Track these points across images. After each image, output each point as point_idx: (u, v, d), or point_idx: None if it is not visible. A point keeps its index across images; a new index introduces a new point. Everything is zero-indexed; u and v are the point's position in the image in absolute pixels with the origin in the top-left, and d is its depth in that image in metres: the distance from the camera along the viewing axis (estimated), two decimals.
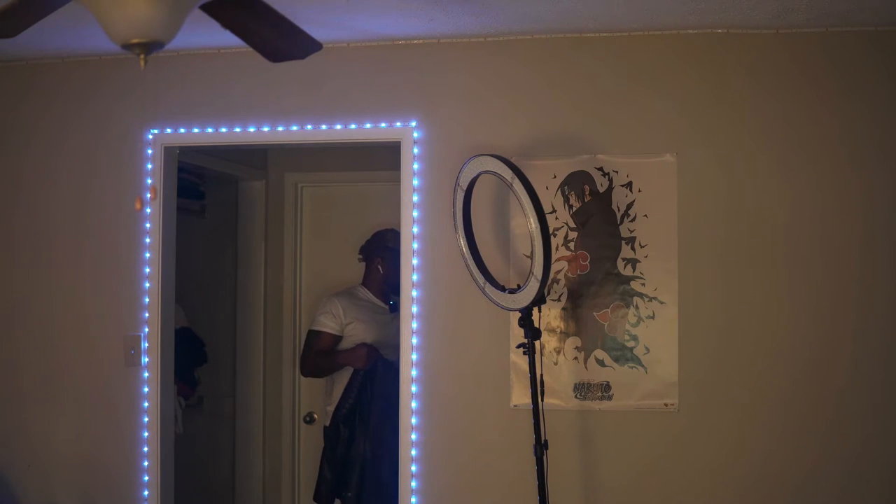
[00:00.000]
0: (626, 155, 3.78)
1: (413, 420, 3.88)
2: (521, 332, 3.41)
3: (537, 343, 3.42)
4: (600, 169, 3.80)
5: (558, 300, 3.81)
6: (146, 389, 4.09)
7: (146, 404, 4.09)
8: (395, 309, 4.29)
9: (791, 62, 3.72)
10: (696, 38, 3.76)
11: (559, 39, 3.84)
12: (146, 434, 4.08)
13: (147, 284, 4.10)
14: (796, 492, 3.67)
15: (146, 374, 4.09)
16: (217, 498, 5.41)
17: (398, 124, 3.94)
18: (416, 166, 3.92)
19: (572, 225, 3.82)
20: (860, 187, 3.67)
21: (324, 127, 4.01)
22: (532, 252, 3.38)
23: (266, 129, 4.05)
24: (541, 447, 3.36)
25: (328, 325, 4.63)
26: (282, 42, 2.62)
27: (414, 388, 3.88)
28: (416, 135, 3.92)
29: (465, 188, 3.58)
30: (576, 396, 3.78)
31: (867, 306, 3.65)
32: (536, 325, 3.44)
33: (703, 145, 3.76)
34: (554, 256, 3.74)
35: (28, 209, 4.25)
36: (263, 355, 5.42)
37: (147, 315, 4.10)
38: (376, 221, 5.04)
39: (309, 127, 4.02)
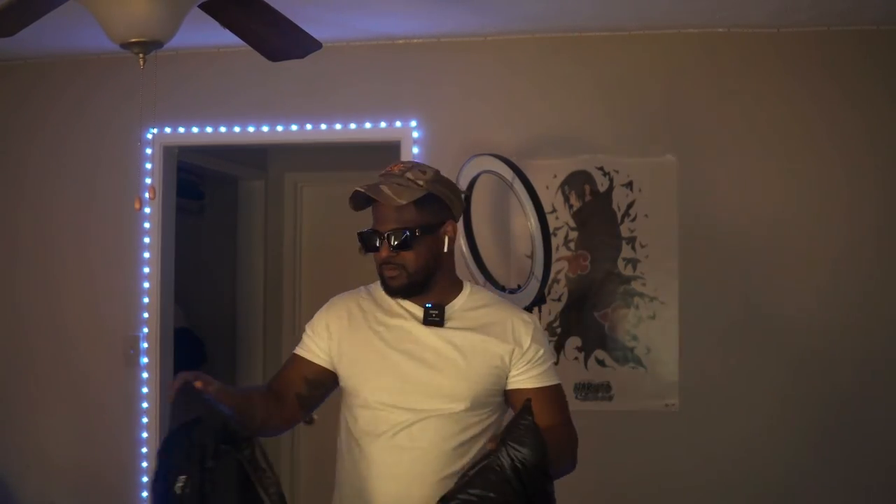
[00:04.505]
0: (626, 155, 3.77)
1: None
2: None
3: None
4: (601, 169, 3.79)
5: (559, 300, 3.80)
6: (145, 390, 4.08)
7: (145, 405, 4.08)
8: (430, 318, 2.22)
9: (792, 61, 3.71)
10: (696, 37, 3.75)
11: (560, 39, 3.83)
12: (145, 434, 4.07)
13: (146, 284, 4.09)
14: (797, 491, 3.66)
15: (145, 375, 4.08)
16: None
17: (398, 124, 3.93)
18: None
19: (573, 225, 3.81)
20: (861, 186, 3.66)
21: (323, 127, 4.00)
22: (532, 252, 3.37)
23: (266, 128, 4.04)
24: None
25: (305, 344, 2.35)
26: (281, 41, 2.62)
27: None
28: (415, 135, 3.91)
29: (464, 188, 3.57)
30: (577, 397, 3.76)
31: (868, 304, 3.64)
32: None
33: (704, 145, 3.75)
34: (554, 256, 3.73)
35: (29, 209, 4.25)
36: (263, 355, 5.40)
37: (146, 315, 4.09)
38: None
39: (309, 127, 4.01)
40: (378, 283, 2.27)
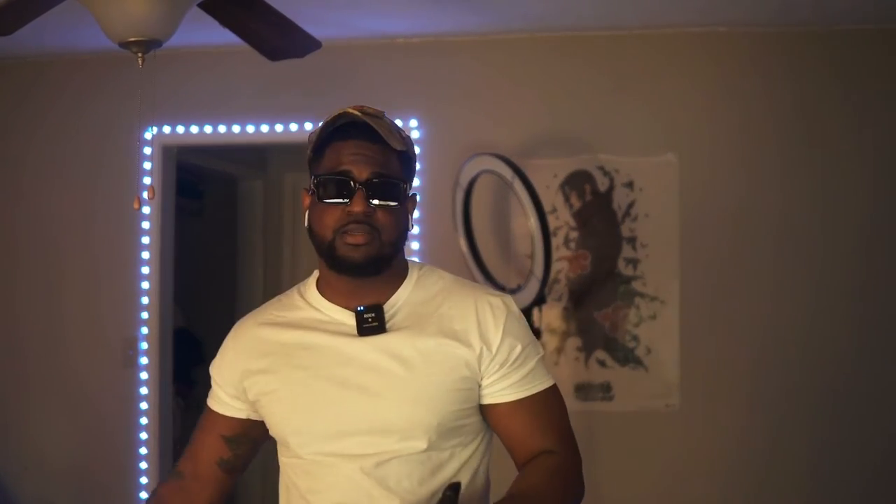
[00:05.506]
0: (627, 154, 3.76)
1: None
2: None
3: None
4: (601, 168, 3.78)
5: (559, 300, 3.79)
6: (144, 390, 4.07)
7: (144, 405, 4.07)
8: (367, 325, 1.61)
9: (793, 60, 3.70)
10: (697, 36, 3.74)
11: (560, 38, 3.82)
12: (144, 435, 4.06)
13: (145, 284, 4.08)
14: (799, 492, 3.66)
15: (144, 375, 4.07)
16: None
17: (398, 123, 3.92)
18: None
19: (573, 224, 3.80)
20: (863, 186, 3.66)
21: None
22: (532, 252, 3.36)
23: (265, 128, 4.04)
24: None
25: (214, 393, 1.76)
26: (281, 40, 2.61)
27: None
28: (415, 134, 3.90)
29: (465, 187, 3.56)
30: (577, 397, 3.75)
31: (870, 305, 3.63)
32: (537, 325, 3.42)
33: (705, 144, 3.74)
34: (555, 256, 3.72)
35: (28, 208, 4.24)
36: None
37: (146, 315, 4.08)
38: None
39: (308, 126, 4.00)
40: (292, 292, 1.72)
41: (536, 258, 3.36)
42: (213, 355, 1.73)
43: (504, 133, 3.83)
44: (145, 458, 4.05)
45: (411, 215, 1.66)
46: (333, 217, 1.56)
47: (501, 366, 1.59)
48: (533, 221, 3.33)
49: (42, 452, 4.17)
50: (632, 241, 3.75)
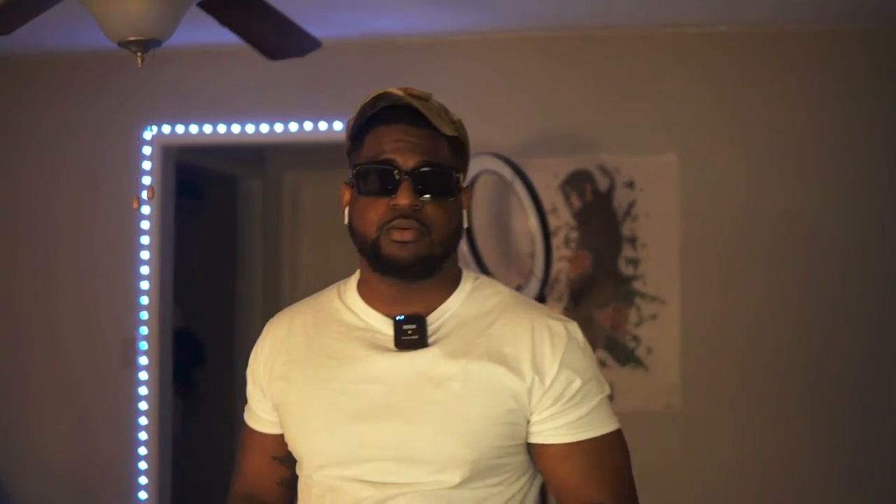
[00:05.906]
0: (628, 154, 3.76)
1: None
2: None
3: None
4: (602, 168, 3.78)
5: (559, 300, 3.78)
6: (143, 391, 4.06)
7: (143, 406, 4.06)
8: (405, 338, 1.42)
9: (794, 59, 3.70)
10: (698, 35, 3.73)
11: (560, 37, 3.82)
12: (144, 436, 4.05)
13: (145, 285, 4.07)
14: (799, 493, 3.65)
15: (143, 376, 4.06)
16: (215, 499, 5.38)
17: None
18: None
19: (573, 224, 3.79)
20: (865, 186, 3.65)
21: (323, 126, 3.99)
22: (533, 251, 3.36)
23: (265, 128, 4.03)
24: None
25: (251, 409, 1.62)
26: (281, 40, 2.60)
27: None
28: None
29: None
30: None
31: (875, 305, 3.63)
32: None
33: (706, 144, 3.74)
34: (555, 256, 3.71)
35: (27, 208, 4.23)
36: None
37: (145, 316, 4.07)
38: None
39: (308, 126, 4.00)
40: (330, 291, 1.54)
41: (537, 258, 3.36)
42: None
43: (504, 133, 3.82)
44: (145, 458, 4.04)
45: (467, 210, 1.48)
46: (377, 212, 1.38)
47: (555, 401, 1.38)
48: (533, 221, 3.33)
49: (41, 453, 4.16)
50: (632, 240, 3.75)
